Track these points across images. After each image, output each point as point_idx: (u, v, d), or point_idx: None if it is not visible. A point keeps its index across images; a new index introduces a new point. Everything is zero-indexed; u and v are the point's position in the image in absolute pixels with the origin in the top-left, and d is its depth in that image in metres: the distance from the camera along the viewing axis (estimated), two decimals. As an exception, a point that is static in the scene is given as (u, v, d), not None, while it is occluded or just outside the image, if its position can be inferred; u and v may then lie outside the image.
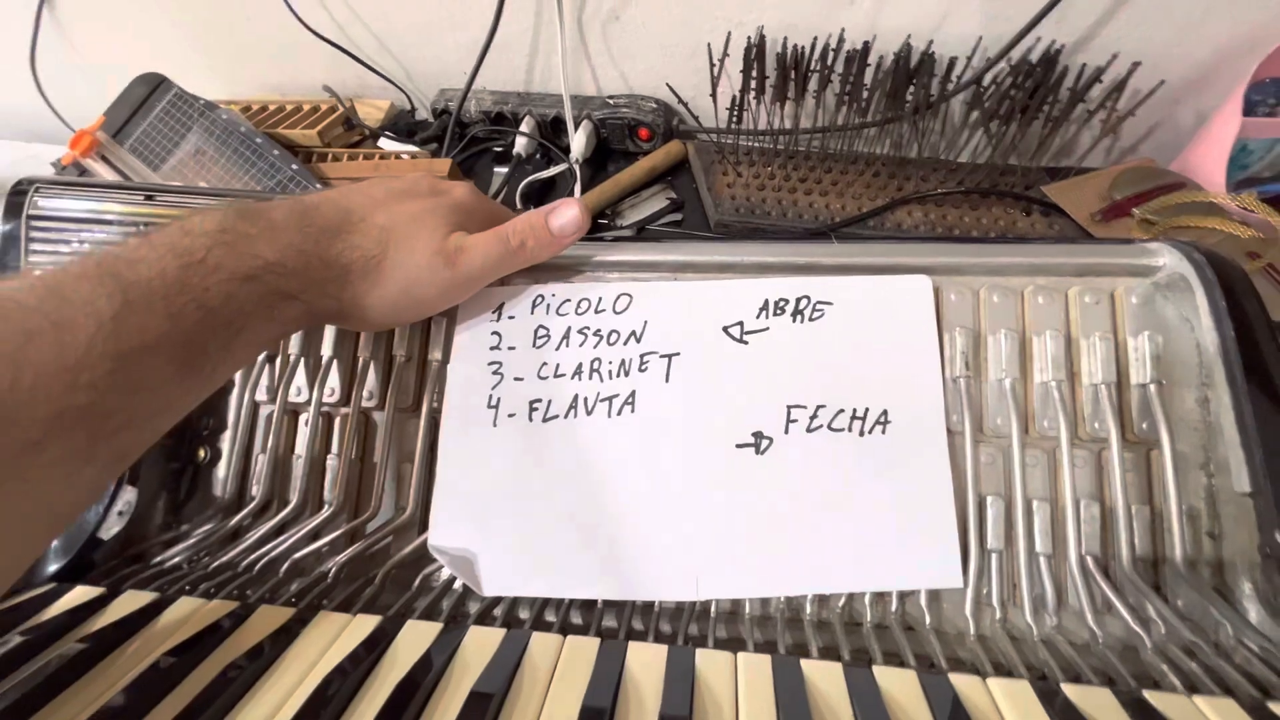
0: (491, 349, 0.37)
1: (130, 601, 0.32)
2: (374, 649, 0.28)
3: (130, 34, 0.83)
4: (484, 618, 0.32)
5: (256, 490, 0.37)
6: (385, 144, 0.76)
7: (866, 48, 0.60)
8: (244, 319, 0.28)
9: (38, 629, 0.29)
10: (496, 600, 0.33)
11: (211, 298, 0.26)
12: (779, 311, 0.35)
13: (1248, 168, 0.61)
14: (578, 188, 0.71)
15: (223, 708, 0.25)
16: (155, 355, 0.24)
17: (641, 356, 0.35)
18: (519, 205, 0.70)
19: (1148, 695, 0.26)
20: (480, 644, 0.29)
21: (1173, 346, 0.33)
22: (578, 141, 0.72)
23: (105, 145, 0.72)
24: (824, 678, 0.27)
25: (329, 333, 0.38)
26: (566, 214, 0.35)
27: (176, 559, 0.36)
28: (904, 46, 0.59)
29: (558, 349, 0.36)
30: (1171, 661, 0.28)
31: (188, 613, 0.31)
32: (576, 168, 0.71)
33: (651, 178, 0.72)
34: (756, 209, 0.67)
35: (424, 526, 0.35)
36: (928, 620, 0.32)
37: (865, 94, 0.62)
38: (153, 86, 0.75)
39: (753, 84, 0.63)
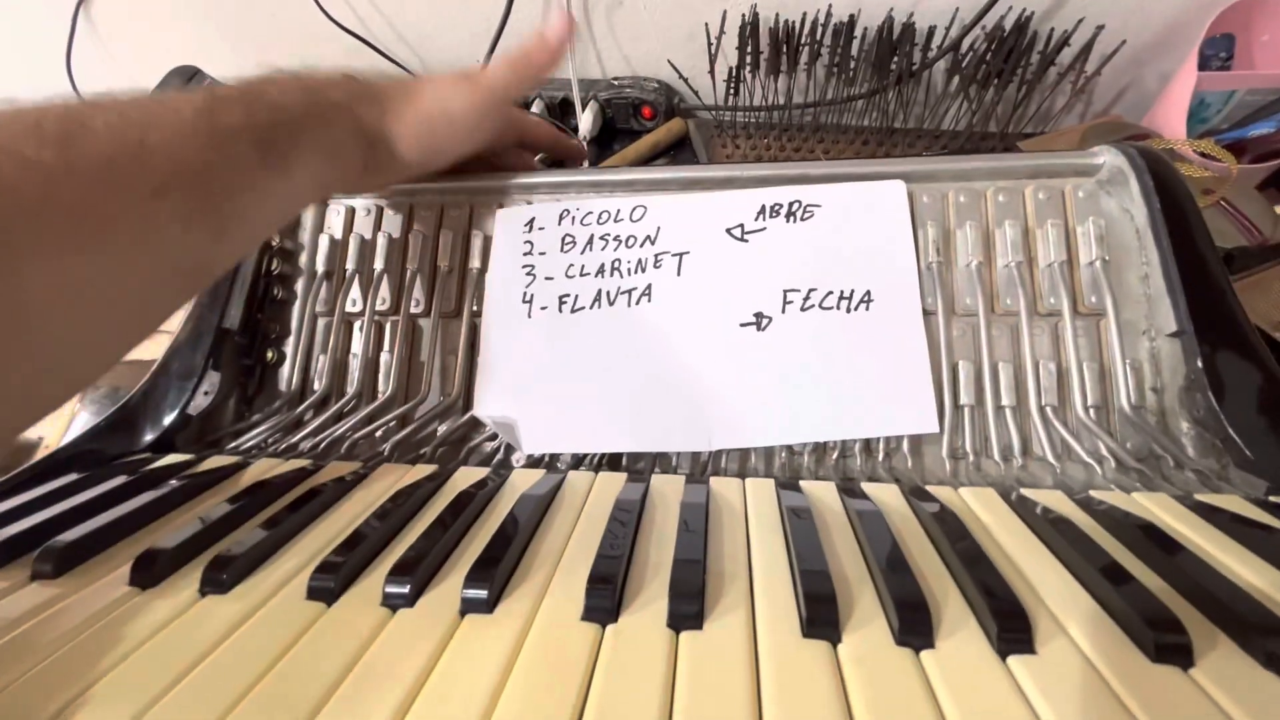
0: (524, 254, 0.42)
1: (216, 462, 0.36)
2: (434, 480, 0.33)
3: (162, 32, 0.88)
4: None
5: (318, 386, 0.42)
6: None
7: (852, 20, 0.66)
8: (304, 121, 0.33)
9: (140, 475, 0.34)
10: (534, 464, 0.38)
11: (277, 98, 0.32)
12: (774, 214, 0.40)
13: (1207, 121, 0.67)
14: (585, 165, 0.76)
15: (309, 516, 0.30)
16: (239, 137, 0.30)
17: (656, 256, 0.40)
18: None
19: (1093, 493, 0.31)
20: (525, 478, 0.34)
21: (1115, 233, 0.38)
22: (585, 121, 0.77)
23: (147, 133, 0.77)
24: (821, 491, 0.32)
25: (380, 247, 0.43)
26: (553, 26, 0.42)
27: (247, 444, 0.41)
28: (887, 17, 0.65)
29: (582, 253, 0.41)
30: (1121, 487, 0.33)
31: (267, 468, 0.36)
32: (584, 146, 0.76)
33: (655, 153, 0.78)
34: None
35: (468, 408, 0.40)
36: (910, 466, 0.36)
37: (852, 65, 0.67)
38: (188, 77, 0.81)
39: (748, 60, 0.69)
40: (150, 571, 0.25)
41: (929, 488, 0.32)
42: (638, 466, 0.38)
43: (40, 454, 0.48)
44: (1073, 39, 0.62)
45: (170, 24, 0.88)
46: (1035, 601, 0.23)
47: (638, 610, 0.23)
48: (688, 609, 0.22)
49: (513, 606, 0.24)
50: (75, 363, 0.27)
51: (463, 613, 0.23)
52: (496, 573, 0.24)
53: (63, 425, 0.58)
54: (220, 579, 0.25)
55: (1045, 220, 0.38)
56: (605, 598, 0.23)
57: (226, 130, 0.29)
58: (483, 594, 0.23)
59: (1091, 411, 0.36)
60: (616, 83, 0.79)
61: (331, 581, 0.24)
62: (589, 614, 0.23)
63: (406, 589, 0.24)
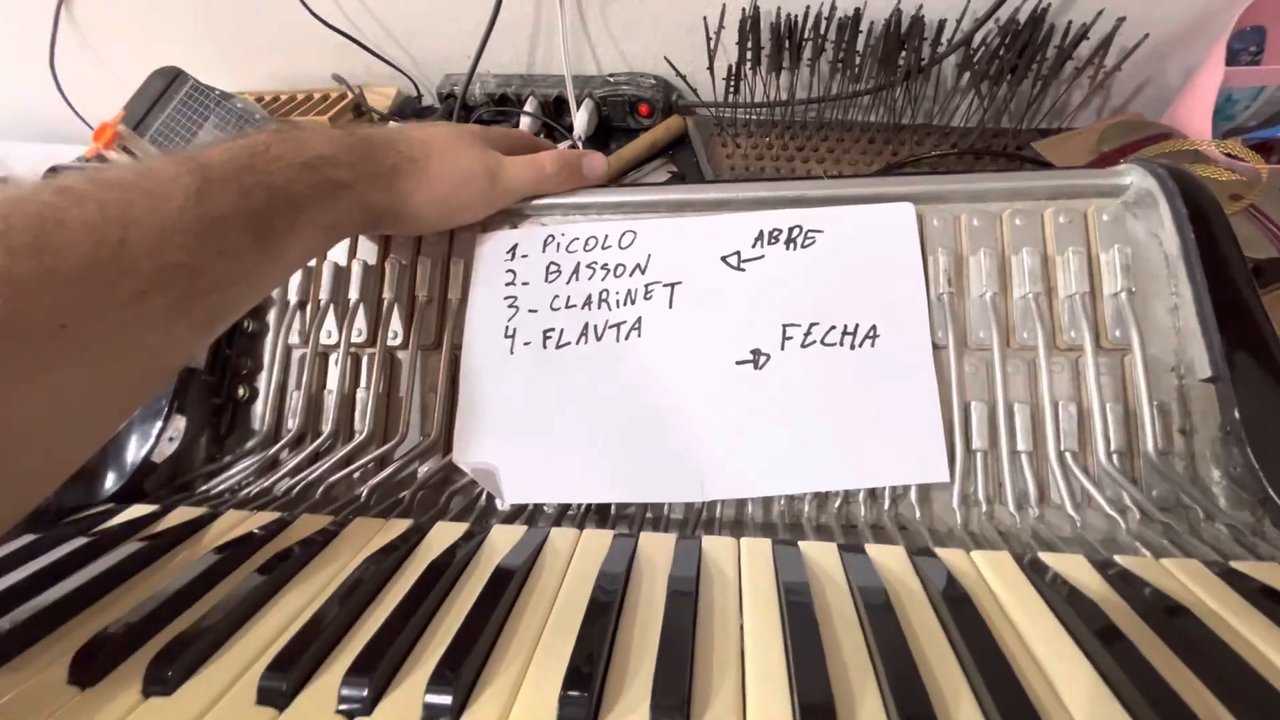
0: (507, 285, 0.39)
1: (182, 515, 0.34)
2: (407, 542, 0.31)
3: (145, 31, 0.86)
4: (507, 522, 0.35)
5: (292, 424, 0.40)
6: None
7: (858, 14, 0.62)
8: (305, 200, 0.31)
9: (101, 534, 0.32)
10: (518, 511, 0.36)
11: (276, 179, 0.30)
12: (773, 240, 0.37)
13: (1234, 118, 0.63)
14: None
15: (268, 591, 0.28)
16: (232, 225, 0.28)
17: (646, 286, 0.38)
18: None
19: (1118, 559, 0.28)
20: (505, 538, 0.31)
21: (1143, 260, 0.35)
22: (580, 120, 0.74)
23: (126, 137, 0.74)
24: (820, 554, 0.29)
25: (355, 276, 0.41)
26: (596, 162, 0.42)
27: (219, 487, 0.39)
28: (894, 11, 0.61)
29: (568, 283, 0.39)
30: (1146, 541, 0.31)
31: (235, 522, 0.34)
32: (580, 145, 0.73)
33: (652, 152, 0.75)
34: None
35: (448, 449, 0.38)
36: (918, 514, 0.34)
37: (858, 60, 0.64)
38: (170, 79, 0.78)
39: (748, 55, 0.66)
40: (90, 668, 0.23)
41: (939, 550, 0.29)
42: (627, 512, 0.36)
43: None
44: (1091, 32, 0.58)
45: (154, 22, 0.85)
46: (1056, 706, 0.21)
47: (617, 718, 0.21)
48: (671, 723, 0.20)
49: (480, 712, 0.22)
50: (54, 464, 0.25)
51: (425, 722, 0.21)
52: (461, 674, 0.22)
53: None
54: (165, 677, 0.23)
55: (1066, 247, 0.35)
56: (580, 707, 0.21)
57: (218, 219, 0.27)
58: (446, 700, 0.21)
59: (1115, 457, 0.33)
60: (612, 79, 0.76)
61: (283, 683, 0.22)
62: (563, 725, 0.21)
63: (364, 691, 0.22)
